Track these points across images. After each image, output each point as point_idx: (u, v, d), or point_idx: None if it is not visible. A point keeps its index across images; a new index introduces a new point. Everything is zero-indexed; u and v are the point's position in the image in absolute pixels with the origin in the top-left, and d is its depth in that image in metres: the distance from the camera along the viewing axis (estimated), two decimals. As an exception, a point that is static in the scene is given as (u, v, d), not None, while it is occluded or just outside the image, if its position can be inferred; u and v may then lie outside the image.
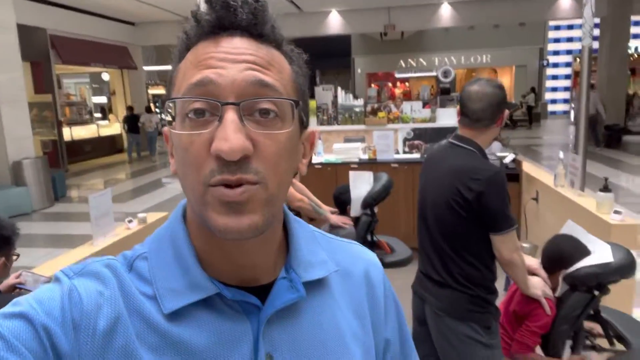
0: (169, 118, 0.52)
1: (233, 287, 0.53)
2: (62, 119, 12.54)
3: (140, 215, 3.12)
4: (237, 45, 0.50)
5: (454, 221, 1.71)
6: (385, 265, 2.49)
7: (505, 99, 1.77)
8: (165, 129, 0.55)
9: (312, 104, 7.02)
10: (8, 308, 0.46)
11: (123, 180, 10.68)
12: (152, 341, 0.49)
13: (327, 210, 3.03)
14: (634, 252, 2.71)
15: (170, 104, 0.51)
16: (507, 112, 1.80)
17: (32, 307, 0.45)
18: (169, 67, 0.56)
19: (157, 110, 18.42)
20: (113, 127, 15.14)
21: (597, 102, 11.32)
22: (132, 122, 12.84)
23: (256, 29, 0.51)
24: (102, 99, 18.05)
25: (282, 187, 0.52)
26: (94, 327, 0.46)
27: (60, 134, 11.77)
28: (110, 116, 15.96)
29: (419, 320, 1.93)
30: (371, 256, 0.69)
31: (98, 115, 16.44)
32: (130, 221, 3.03)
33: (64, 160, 11.88)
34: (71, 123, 13.86)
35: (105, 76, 15.70)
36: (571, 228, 2.00)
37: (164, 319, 0.50)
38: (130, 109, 13.42)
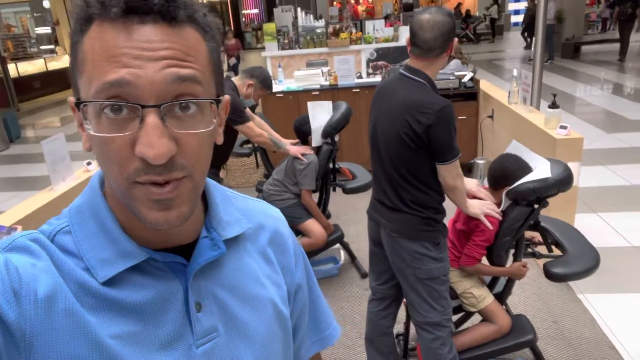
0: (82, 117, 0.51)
1: (159, 250, 0.57)
2: (4, 54, 11.71)
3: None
4: (152, 39, 0.48)
5: (404, 152, 1.79)
6: (347, 190, 2.60)
7: (454, 28, 1.78)
8: (71, 98, 0.53)
9: (272, 27, 6.76)
10: None
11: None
12: (91, 303, 0.53)
13: (287, 143, 3.06)
14: (576, 164, 2.90)
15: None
16: (456, 40, 1.82)
17: None
18: None
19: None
20: (62, 60, 14.25)
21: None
22: None
23: (169, 13, 0.49)
24: (46, 30, 16.76)
25: (205, 171, 0.56)
26: (35, 293, 0.49)
27: (5, 71, 11.05)
28: (58, 48, 14.95)
29: (374, 241, 2.07)
30: (278, 213, 0.76)
31: (45, 47, 15.35)
32: (89, 163, 2.99)
33: (14, 99, 11.26)
34: (15, 58, 12.97)
35: (46, 3, 14.48)
36: (515, 147, 2.11)
37: (100, 285, 0.54)
38: None
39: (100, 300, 0.53)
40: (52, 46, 15.26)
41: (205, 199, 0.65)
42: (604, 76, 9.99)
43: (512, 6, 21.42)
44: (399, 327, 2.57)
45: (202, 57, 0.53)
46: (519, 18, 22.27)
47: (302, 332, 0.76)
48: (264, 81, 2.94)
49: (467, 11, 18.35)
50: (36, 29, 17.03)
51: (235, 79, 2.92)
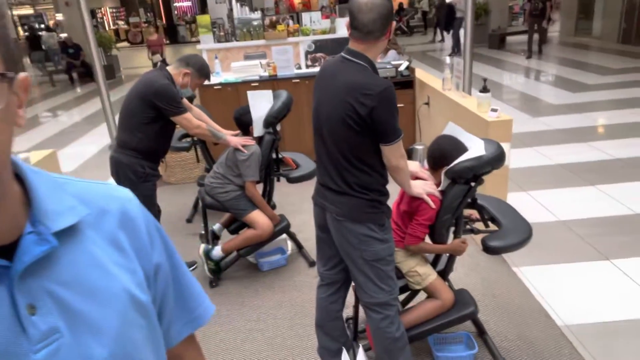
0: None
1: None
2: None
3: (23, 155, 2.86)
4: None
5: (348, 135, 1.80)
6: (291, 180, 2.59)
7: (393, 11, 1.81)
8: None
9: (206, 19, 6.59)
10: None
11: None
12: None
13: (227, 134, 2.99)
14: (507, 145, 3.06)
15: None
16: (394, 23, 1.85)
17: None
18: None
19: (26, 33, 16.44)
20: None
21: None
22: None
23: None
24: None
25: (5, 160, 0.51)
26: None
27: None
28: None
29: (320, 227, 2.08)
30: (125, 193, 0.71)
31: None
32: (12, 163, 2.77)
33: None
34: None
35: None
36: (452, 129, 2.19)
37: None
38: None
39: None
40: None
41: (27, 191, 0.58)
42: (527, 65, 10.61)
43: (442, -1, 22.21)
44: (348, 312, 2.61)
45: None
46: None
47: (168, 314, 0.73)
48: (200, 69, 2.84)
49: (400, 4, 18.81)
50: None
51: (170, 68, 2.81)
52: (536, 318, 2.64)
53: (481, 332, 2.43)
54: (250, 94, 2.99)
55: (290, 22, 7.21)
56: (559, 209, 3.83)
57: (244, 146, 2.90)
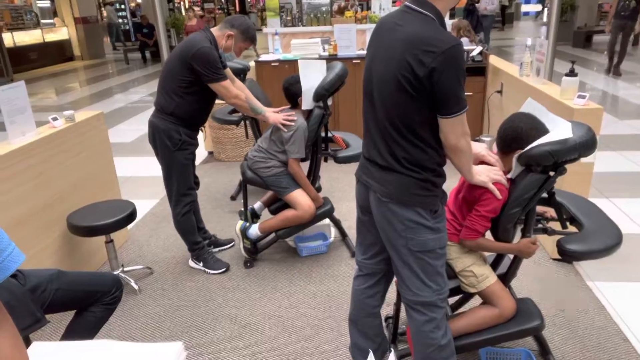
0: None
1: None
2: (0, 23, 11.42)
3: (67, 112, 2.80)
4: None
5: (401, 100, 1.50)
6: (339, 160, 2.27)
7: None
8: None
9: (275, 2, 6.45)
10: None
11: (74, 89, 9.98)
12: None
13: (268, 110, 2.77)
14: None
15: None
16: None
17: None
18: None
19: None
20: (60, 33, 13.91)
21: None
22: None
23: None
24: (46, 3, 16.48)
25: None
26: None
27: (0, 40, 10.76)
28: (56, 20, 14.60)
29: (362, 208, 1.79)
30: None
31: (47, 21, 15.02)
32: (55, 119, 2.71)
33: (8, 68, 10.98)
34: (12, 28, 12.64)
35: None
36: (531, 106, 1.83)
37: None
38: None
39: None
40: (51, 20, 14.95)
41: None
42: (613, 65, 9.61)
43: (523, -6, 20.94)
44: (388, 310, 2.33)
45: None
46: (530, 7, 21.80)
47: None
48: (245, 31, 2.62)
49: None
50: (38, 2, 16.76)
51: (214, 30, 2.62)
52: (611, 341, 2.22)
53: (545, 351, 2.06)
54: (302, 62, 2.74)
55: (359, 8, 6.94)
56: (648, 220, 3.30)
57: (283, 125, 2.68)
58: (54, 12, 15.40)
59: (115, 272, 2.74)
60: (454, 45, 1.40)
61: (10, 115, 2.35)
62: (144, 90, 9.24)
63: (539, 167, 1.68)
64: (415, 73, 1.43)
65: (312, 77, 2.74)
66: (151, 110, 2.70)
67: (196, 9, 10.11)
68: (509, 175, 1.77)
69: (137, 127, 6.50)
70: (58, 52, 13.74)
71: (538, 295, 2.56)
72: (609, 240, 1.70)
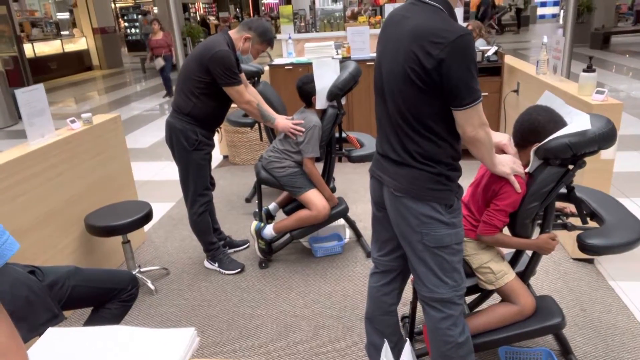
0: None
1: None
2: (21, 34, 11.71)
3: (85, 115, 2.84)
4: None
5: (410, 93, 1.47)
6: (353, 159, 2.25)
7: None
8: None
9: (288, 9, 6.51)
10: None
11: (93, 97, 10.17)
12: None
13: (277, 117, 2.78)
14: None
15: None
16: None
17: None
18: None
19: (125, 24, 17.55)
20: (79, 43, 14.21)
21: None
22: None
23: None
24: (65, 15, 16.92)
25: None
26: None
27: (20, 50, 11.03)
28: (75, 30, 14.93)
29: (377, 204, 1.78)
30: None
31: (65, 32, 15.38)
32: (73, 121, 2.76)
33: (28, 78, 11.24)
34: (33, 39, 12.98)
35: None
36: (549, 99, 1.80)
37: None
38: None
39: None
40: (68, 31, 15.30)
41: None
42: (634, 66, 9.45)
43: (538, -3, 20.74)
44: (406, 310, 2.30)
45: None
46: (547, 10, 21.58)
47: None
48: (262, 34, 2.64)
49: (492, 0, 17.75)
50: (57, 14, 17.21)
51: (232, 32, 2.64)
52: (636, 341, 2.15)
53: (566, 351, 2.01)
54: (316, 62, 2.75)
55: (372, 13, 6.95)
56: (672, 220, 3.21)
57: (292, 133, 2.70)
58: (72, 23, 15.75)
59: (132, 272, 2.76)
60: (462, 34, 1.37)
61: (30, 118, 2.40)
62: (160, 98, 9.37)
63: (557, 160, 1.65)
64: (422, 65, 1.41)
65: (325, 77, 2.75)
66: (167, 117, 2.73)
67: (156, 25, 8.17)
68: (527, 170, 1.73)
69: (154, 133, 6.59)
70: (77, 62, 14.02)
71: (558, 294, 2.50)
72: (631, 234, 1.65)
